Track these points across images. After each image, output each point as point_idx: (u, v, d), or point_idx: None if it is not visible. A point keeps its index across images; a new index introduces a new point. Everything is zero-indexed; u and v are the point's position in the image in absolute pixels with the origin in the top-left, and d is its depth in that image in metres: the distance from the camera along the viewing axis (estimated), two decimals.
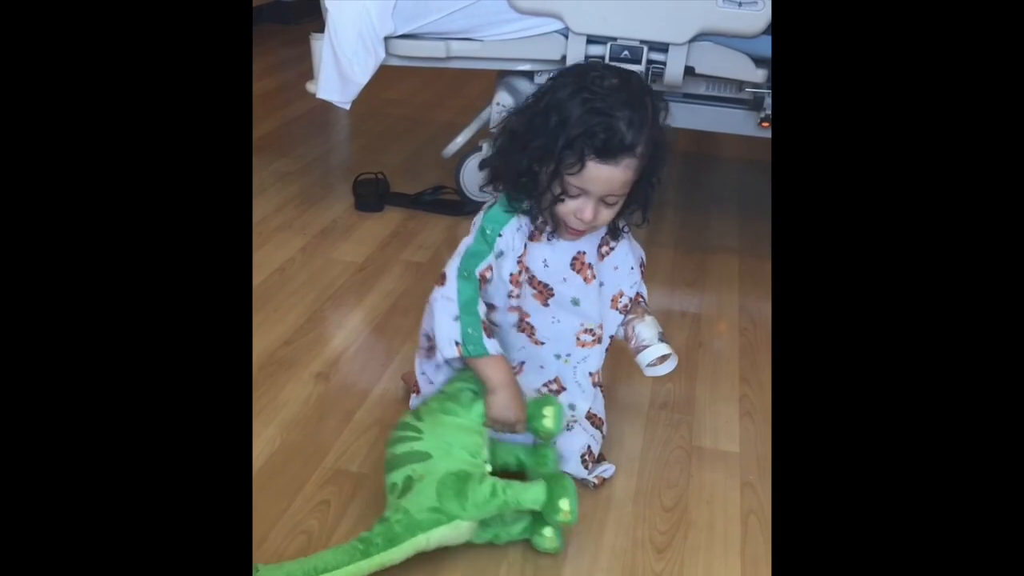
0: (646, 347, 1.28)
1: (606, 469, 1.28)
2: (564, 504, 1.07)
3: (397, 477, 1.11)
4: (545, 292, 1.25)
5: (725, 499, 1.27)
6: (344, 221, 2.10)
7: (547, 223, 1.19)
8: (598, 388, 1.35)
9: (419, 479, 1.08)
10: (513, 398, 1.16)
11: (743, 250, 2.06)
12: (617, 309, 1.29)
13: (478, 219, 1.21)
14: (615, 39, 1.77)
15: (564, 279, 1.24)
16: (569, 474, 1.25)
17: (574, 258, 1.24)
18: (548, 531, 1.13)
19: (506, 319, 1.26)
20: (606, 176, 1.10)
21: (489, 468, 1.13)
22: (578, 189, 1.12)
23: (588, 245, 1.24)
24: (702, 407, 1.48)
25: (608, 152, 1.08)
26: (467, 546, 1.14)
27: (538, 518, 1.13)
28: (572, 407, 1.30)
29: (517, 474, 1.20)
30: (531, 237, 1.21)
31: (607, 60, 1.77)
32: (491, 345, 1.17)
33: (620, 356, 1.38)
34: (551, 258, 1.23)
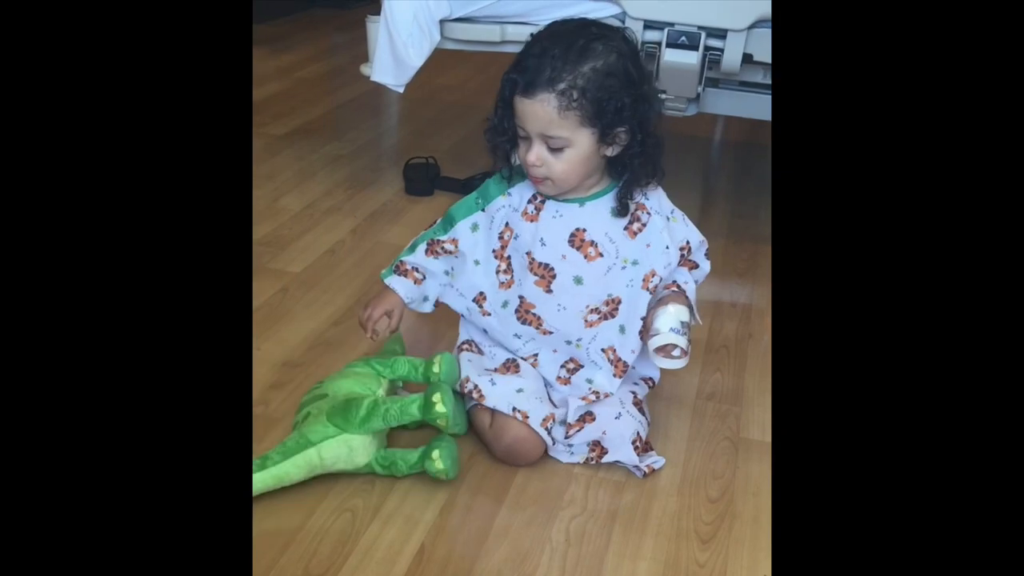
0: (652, 336, 1.23)
1: (657, 460, 1.27)
2: (436, 397, 1.14)
3: (299, 416, 1.23)
4: (547, 275, 1.25)
5: (772, 492, 1.25)
6: (394, 205, 2.10)
7: (510, 169, 1.26)
8: (642, 380, 1.34)
9: (316, 412, 1.20)
10: (369, 305, 1.32)
11: None
12: (648, 289, 1.26)
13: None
14: (672, 24, 1.75)
15: (563, 256, 1.24)
16: (620, 462, 1.25)
17: (572, 234, 1.24)
18: (435, 453, 1.17)
19: (498, 297, 1.29)
20: (528, 111, 1.15)
21: (382, 394, 1.23)
22: (521, 129, 1.18)
23: (589, 221, 1.24)
24: (750, 399, 1.46)
25: (523, 86, 1.14)
26: (509, 531, 1.14)
27: (429, 445, 1.19)
28: (590, 381, 1.29)
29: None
30: (530, 217, 1.25)
31: (664, 46, 1.75)
32: (394, 281, 1.32)
33: None
34: (547, 235, 1.24)
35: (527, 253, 1.26)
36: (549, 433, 1.23)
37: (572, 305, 1.26)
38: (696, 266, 1.31)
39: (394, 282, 1.32)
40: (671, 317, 1.23)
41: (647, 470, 1.25)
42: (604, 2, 1.78)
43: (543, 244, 1.24)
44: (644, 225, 1.25)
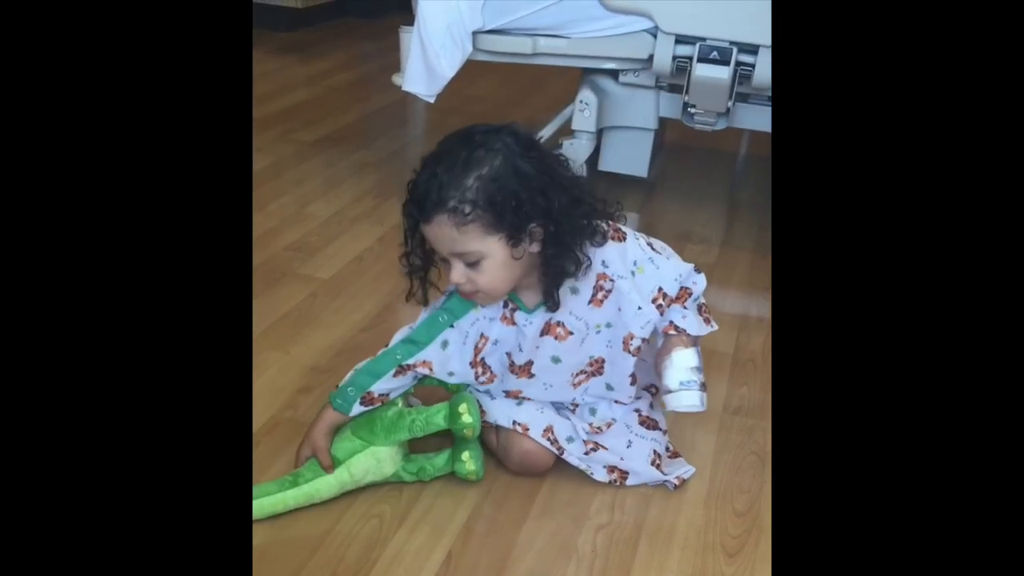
0: (665, 395, 1.21)
1: (687, 470, 1.27)
2: (463, 408, 1.16)
3: None
4: (527, 368, 1.24)
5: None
6: None
7: (425, 292, 1.20)
8: (646, 392, 1.35)
9: (340, 427, 1.21)
10: (306, 438, 1.20)
11: None
12: (629, 352, 1.22)
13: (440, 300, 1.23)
14: (704, 39, 1.76)
15: (537, 347, 1.23)
16: (647, 484, 1.25)
17: (541, 329, 1.22)
18: (465, 455, 1.20)
19: (480, 388, 1.29)
20: (432, 235, 1.12)
21: (400, 402, 1.23)
22: (437, 252, 1.14)
23: (552, 312, 1.21)
24: None
25: (418, 212, 1.11)
26: (536, 540, 1.14)
27: (457, 447, 1.22)
28: (593, 412, 1.30)
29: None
30: (508, 321, 1.22)
31: (695, 60, 1.75)
32: (356, 410, 1.21)
33: None
34: (523, 341, 1.22)
35: (507, 353, 1.24)
36: (553, 443, 1.23)
37: (557, 380, 1.26)
38: (689, 293, 1.23)
39: (361, 413, 1.22)
40: (678, 370, 1.20)
41: (677, 482, 1.25)
42: (636, 16, 1.79)
43: (520, 349, 1.23)
44: (609, 292, 1.20)
